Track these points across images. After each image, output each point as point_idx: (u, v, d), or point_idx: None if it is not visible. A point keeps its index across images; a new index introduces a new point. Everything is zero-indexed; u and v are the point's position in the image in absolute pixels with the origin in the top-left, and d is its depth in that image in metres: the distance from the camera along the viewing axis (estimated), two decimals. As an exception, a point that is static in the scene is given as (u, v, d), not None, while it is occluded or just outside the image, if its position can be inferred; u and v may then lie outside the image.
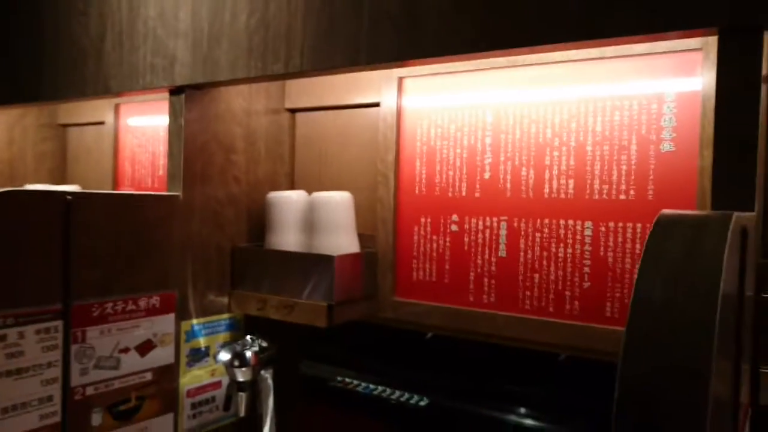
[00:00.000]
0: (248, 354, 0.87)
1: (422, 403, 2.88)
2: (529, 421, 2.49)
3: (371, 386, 3.09)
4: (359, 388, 3.11)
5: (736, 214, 0.37)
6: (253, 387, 0.88)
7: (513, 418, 2.51)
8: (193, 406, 0.91)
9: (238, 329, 0.97)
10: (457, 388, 2.85)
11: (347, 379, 3.19)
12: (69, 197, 0.75)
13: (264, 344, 0.89)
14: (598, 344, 0.77)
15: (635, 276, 0.75)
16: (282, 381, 0.93)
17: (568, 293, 0.80)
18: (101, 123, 1.35)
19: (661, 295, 0.33)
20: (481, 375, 2.73)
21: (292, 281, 0.89)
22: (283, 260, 0.91)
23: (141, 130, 1.30)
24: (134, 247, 0.82)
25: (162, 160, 1.28)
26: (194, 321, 0.90)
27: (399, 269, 0.93)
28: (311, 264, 0.87)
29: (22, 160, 1.39)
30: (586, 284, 0.79)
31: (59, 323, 0.74)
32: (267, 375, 0.91)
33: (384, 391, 2.99)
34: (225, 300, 0.95)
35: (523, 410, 2.57)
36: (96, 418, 0.79)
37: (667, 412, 0.31)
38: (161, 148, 1.28)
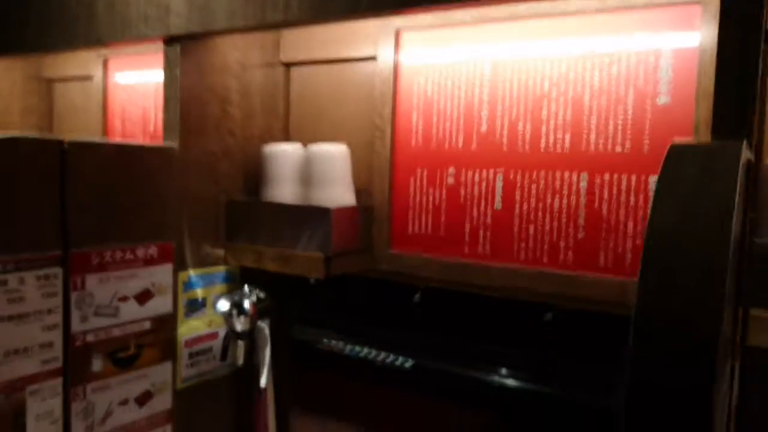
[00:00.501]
0: (246, 304, 0.87)
1: (407, 365, 2.93)
2: (512, 381, 2.55)
3: (357, 348, 3.13)
4: (345, 351, 3.16)
5: (745, 143, 0.38)
6: (250, 337, 0.89)
7: (497, 378, 2.57)
8: (191, 355, 0.92)
9: (234, 282, 0.98)
10: (442, 350, 2.90)
11: (333, 342, 3.23)
12: (65, 145, 0.74)
13: (261, 295, 0.90)
14: (591, 292, 0.79)
15: (629, 227, 0.78)
16: (274, 336, 0.94)
17: (562, 244, 0.82)
18: (89, 78, 1.32)
19: (676, 219, 0.34)
20: (467, 336, 2.77)
21: (288, 233, 0.90)
22: (278, 212, 0.91)
23: (131, 85, 1.28)
24: (131, 197, 0.82)
25: (153, 116, 1.26)
26: (191, 272, 0.91)
27: (394, 222, 0.94)
28: (307, 216, 0.88)
29: (9, 114, 1.37)
30: (581, 235, 0.80)
31: (58, 270, 0.75)
32: (264, 325, 0.92)
33: (369, 353, 3.03)
34: (221, 252, 0.95)
35: (507, 371, 2.63)
36: (96, 364, 0.79)
37: (684, 328, 0.33)
38: (152, 103, 1.27)
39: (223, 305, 0.87)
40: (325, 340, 3.19)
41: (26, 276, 0.71)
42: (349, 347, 3.10)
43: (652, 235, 0.34)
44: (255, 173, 0.99)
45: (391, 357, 2.97)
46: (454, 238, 0.89)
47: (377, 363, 2.93)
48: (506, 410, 2.25)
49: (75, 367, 0.77)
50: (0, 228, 0.68)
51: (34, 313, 0.72)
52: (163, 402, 0.88)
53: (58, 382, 0.75)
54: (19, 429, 0.71)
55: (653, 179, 0.76)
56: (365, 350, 3.05)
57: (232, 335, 0.90)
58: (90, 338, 0.79)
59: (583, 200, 0.80)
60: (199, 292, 0.93)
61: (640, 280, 0.34)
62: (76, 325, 0.77)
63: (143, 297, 0.85)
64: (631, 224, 0.77)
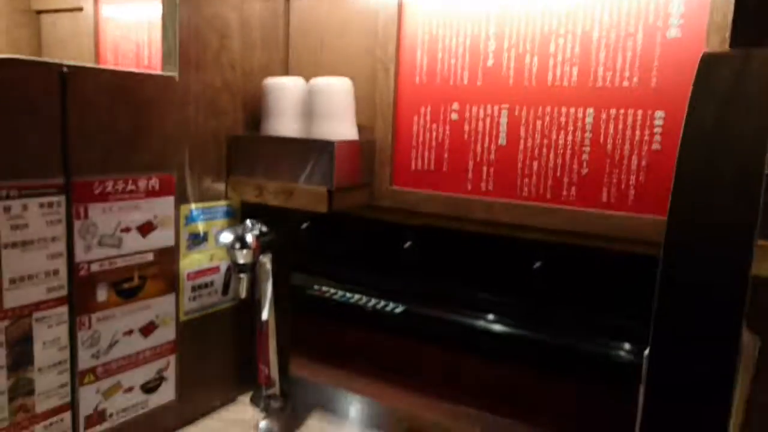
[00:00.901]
0: (249, 237, 0.87)
1: (398, 310, 2.98)
2: (498, 327, 2.60)
3: (348, 294, 3.17)
4: (336, 296, 3.19)
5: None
6: (252, 270, 0.90)
7: (484, 324, 2.62)
8: (193, 288, 0.93)
9: (235, 217, 0.98)
10: (432, 296, 2.94)
11: (324, 288, 3.26)
12: (65, 69, 0.73)
13: (264, 229, 0.90)
14: (593, 227, 0.80)
15: (633, 162, 0.78)
16: (274, 270, 0.95)
17: (566, 180, 0.82)
18: (79, 9, 1.28)
19: (711, 123, 0.34)
20: (456, 282, 2.81)
21: (290, 167, 0.89)
22: (280, 146, 0.91)
23: (123, 19, 1.24)
24: (131, 126, 0.81)
25: (147, 52, 1.23)
26: (192, 206, 0.91)
27: (397, 159, 0.93)
28: (310, 149, 0.87)
29: (-4, 47, 1.33)
30: (584, 171, 0.81)
31: (61, 198, 0.74)
32: (266, 260, 0.92)
33: (360, 298, 3.07)
34: (222, 187, 0.95)
35: (494, 317, 2.68)
36: (101, 294, 0.80)
37: (718, 224, 0.33)
38: (146, 39, 1.23)
39: (226, 237, 0.87)
40: (316, 286, 3.21)
41: (29, 203, 0.70)
42: (340, 293, 3.14)
43: (688, 141, 0.34)
44: (256, 108, 0.98)
45: (382, 303, 3.01)
46: (457, 175, 0.89)
47: (368, 309, 2.97)
48: (497, 356, 2.30)
49: (80, 296, 0.77)
50: (2, 153, 0.67)
51: (38, 240, 0.72)
52: (167, 333, 0.89)
53: (64, 310, 0.76)
54: (27, 355, 0.72)
55: (660, 114, 0.76)
56: (356, 296, 3.09)
57: (234, 268, 0.90)
58: (94, 268, 0.78)
59: (588, 136, 0.80)
60: (201, 226, 0.92)
61: (675, 187, 0.34)
62: (80, 255, 0.77)
63: (146, 229, 0.84)
64: (635, 159, 0.78)
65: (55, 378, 0.76)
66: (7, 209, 0.68)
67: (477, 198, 0.87)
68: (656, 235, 0.80)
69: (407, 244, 3.14)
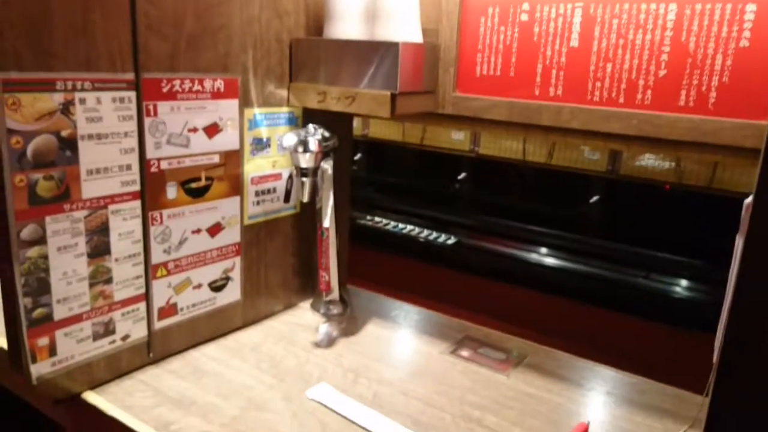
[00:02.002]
0: (312, 141, 0.88)
1: (450, 242, 2.98)
2: (552, 260, 2.57)
3: (400, 225, 3.18)
4: (389, 227, 3.21)
5: None
6: (314, 175, 0.90)
7: (537, 257, 2.59)
8: (257, 193, 0.94)
9: (297, 124, 0.98)
10: (485, 228, 2.92)
11: (377, 219, 3.27)
12: (132, -37, 0.72)
13: (326, 134, 0.90)
14: (667, 132, 0.76)
15: (717, 62, 0.73)
16: (336, 178, 0.95)
17: (641, 82, 0.78)
18: None
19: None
20: (510, 215, 2.78)
21: (353, 71, 0.88)
22: (343, 49, 0.89)
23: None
24: (197, 24, 0.80)
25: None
26: (256, 110, 0.91)
27: (461, 64, 0.91)
28: (374, 51, 0.85)
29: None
30: (662, 72, 0.77)
31: (132, 94, 0.75)
32: (327, 166, 0.93)
33: (413, 230, 3.08)
34: (284, 93, 0.95)
35: (548, 250, 2.65)
36: (171, 192, 0.82)
37: None
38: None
39: (290, 139, 0.87)
40: (369, 217, 3.24)
41: (102, 97, 0.72)
42: (393, 224, 3.15)
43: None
44: (319, 10, 0.96)
45: (435, 234, 3.01)
46: (525, 79, 0.86)
47: (421, 240, 2.98)
48: (549, 289, 2.28)
49: (151, 192, 0.80)
50: (75, 45, 0.68)
51: (111, 134, 0.74)
52: (232, 235, 0.92)
53: (137, 204, 0.78)
54: (104, 245, 0.75)
55: (751, 8, 0.70)
56: (409, 227, 3.10)
57: (296, 173, 0.91)
58: (164, 165, 0.81)
59: (669, 34, 0.75)
60: (264, 132, 0.93)
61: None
62: (150, 152, 0.79)
63: (212, 130, 0.85)
64: (719, 59, 0.73)
65: (130, 269, 0.79)
66: (82, 101, 0.70)
67: (545, 103, 0.84)
68: (734, 140, 0.77)
69: (462, 176, 3.11)
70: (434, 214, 2.82)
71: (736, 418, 0.34)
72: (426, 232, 2.72)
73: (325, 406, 0.77)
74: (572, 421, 0.77)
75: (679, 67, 0.75)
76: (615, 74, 0.80)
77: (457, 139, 2.70)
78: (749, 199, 0.31)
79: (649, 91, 0.78)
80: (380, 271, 1.13)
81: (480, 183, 2.79)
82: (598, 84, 0.81)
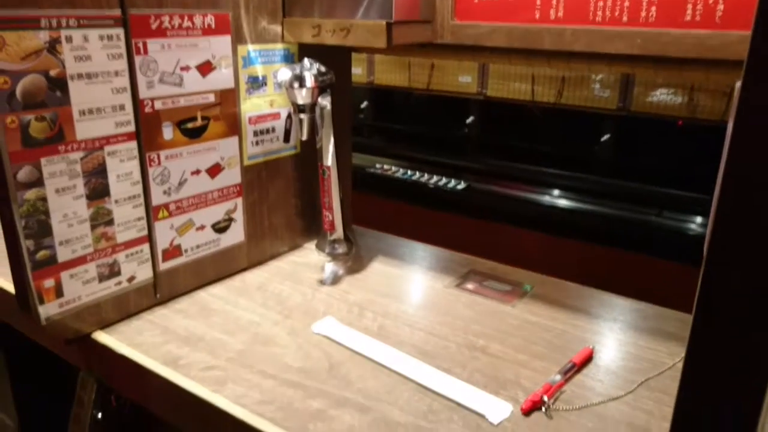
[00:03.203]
0: (307, 76, 0.86)
1: (459, 187, 2.95)
2: (564, 202, 2.54)
3: (409, 172, 3.15)
4: (397, 175, 3.19)
5: None
6: (312, 112, 0.89)
7: (549, 199, 2.57)
8: (255, 133, 0.93)
9: (293, 62, 0.96)
10: (495, 172, 2.89)
11: (386, 166, 3.25)
12: None
13: (322, 69, 0.88)
14: (672, 49, 0.74)
15: (724, -29, 0.70)
16: (335, 114, 0.94)
17: (645, -1, 0.75)
18: None
19: None
20: (521, 158, 2.74)
21: (347, 2, 0.85)
22: (337, -20, 0.86)
23: None
24: (183, -41, 0.78)
25: None
26: (250, 47, 0.89)
27: (459, -10, 0.88)
28: (368, -20, 0.83)
29: None
30: (667, -14, 0.73)
31: (120, 31, 0.74)
32: (326, 103, 0.91)
33: (422, 176, 3.06)
34: (278, 28, 0.92)
35: (559, 192, 2.62)
36: (167, 132, 0.81)
37: None
38: None
39: (284, 74, 0.86)
40: (378, 165, 3.21)
41: (89, 34, 0.70)
42: (401, 171, 3.13)
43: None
44: (308, -58, 0.92)
45: (444, 180, 2.98)
46: (525, 2, 0.83)
47: (430, 186, 2.96)
48: (561, 231, 2.27)
49: (147, 133, 0.79)
50: (57, -20, 0.66)
51: (101, 74, 0.73)
52: (232, 176, 0.92)
53: (133, 145, 0.78)
54: (103, 187, 0.75)
55: None
56: (418, 173, 3.07)
57: (293, 110, 0.89)
58: (158, 105, 0.79)
59: (674, -56, 0.72)
60: (259, 70, 0.91)
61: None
62: (143, 91, 0.77)
63: (205, 68, 0.84)
64: (728, -33, 0.69)
65: (131, 211, 0.80)
66: (68, 39, 0.68)
67: (546, 26, 0.81)
68: (741, 53, 0.73)
69: (470, 120, 3.06)
70: (443, 159, 2.80)
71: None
72: (435, 178, 2.71)
73: (331, 338, 0.78)
74: (577, 346, 0.77)
75: (685, -20, 0.72)
76: (618, -9, 0.76)
77: (465, 81, 2.65)
78: (739, 83, 0.29)
79: (653, 8, 0.75)
80: (390, 219, 1.12)
81: (489, 126, 2.75)
82: (601, 3, 0.78)
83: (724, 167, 0.31)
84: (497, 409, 0.65)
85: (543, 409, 0.65)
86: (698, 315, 0.36)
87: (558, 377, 0.70)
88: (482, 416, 0.64)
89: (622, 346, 0.79)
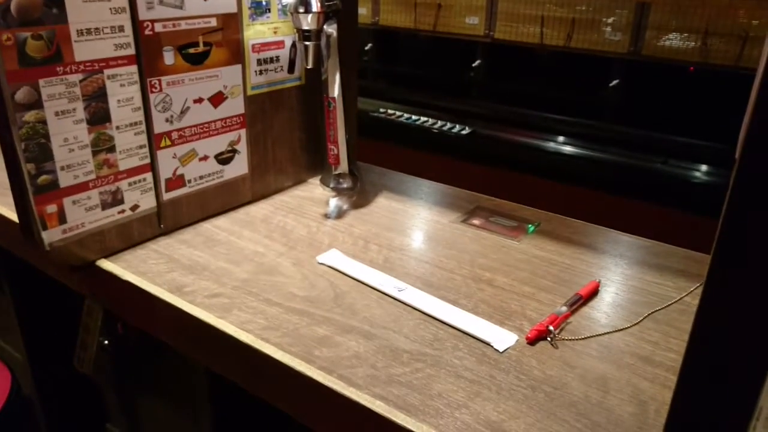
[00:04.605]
0: (313, 0, 0.83)
1: (464, 132, 2.92)
2: (570, 149, 2.51)
3: (413, 117, 3.11)
4: (402, 119, 3.15)
5: None
6: (318, 39, 0.86)
7: (554, 145, 2.54)
8: (259, 62, 0.91)
9: (298, -13, 0.92)
10: (501, 117, 2.84)
11: (390, 111, 3.20)
12: None
13: (328, -7, 0.85)
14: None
15: None
16: (341, 43, 0.91)
17: None
18: None
19: None
20: (527, 103, 2.70)
21: None
22: None
23: None
24: None
25: None
26: (253, -31, 0.85)
27: None
28: None
29: None
30: None
31: (117, -53, 0.70)
32: (332, 30, 0.88)
33: (426, 121, 3.01)
34: (282, -50, 0.88)
35: (564, 138, 2.59)
36: (168, 57, 0.79)
37: None
38: None
39: (289, -2, 0.82)
40: (382, 109, 3.17)
41: (86, -52, 0.67)
42: (406, 115, 3.09)
43: None
44: None
45: (449, 125, 2.95)
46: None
47: (435, 131, 2.92)
48: (568, 178, 2.25)
49: (148, 57, 0.76)
50: None
51: (99, -9, 0.70)
52: (236, 106, 0.89)
53: (134, 69, 0.76)
54: (104, 112, 0.73)
55: None
56: (422, 118, 3.03)
57: (298, 37, 0.87)
58: (158, 28, 0.77)
59: None
60: (263, -6, 0.88)
61: None
62: (143, 13, 0.75)
63: (206, -9, 0.81)
64: None
65: (133, 138, 0.78)
66: (63, -48, 0.65)
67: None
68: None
69: (476, 63, 2.99)
70: (448, 104, 2.75)
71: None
72: (440, 123, 2.67)
73: (336, 269, 0.78)
74: (583, 280, 0.77)
75: None
76: None
77: (472, 23, 2.58)
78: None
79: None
80: (394, 164, 1.10)
81: (496, 70, 2.69)
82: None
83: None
84: (503, 337, 0.65)
85: (548, 338, 0.65)
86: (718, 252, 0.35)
87: (564, 309, 0.70)
88: (488, 344, 0.64)
89: (629, 281, 0.78)
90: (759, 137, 0.30)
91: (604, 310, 0.72)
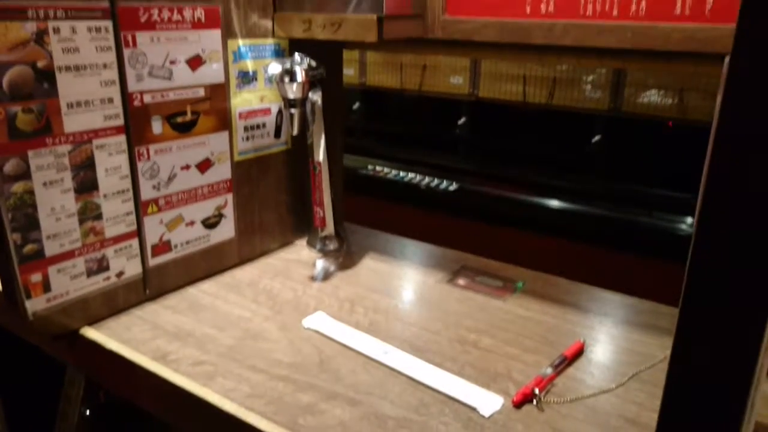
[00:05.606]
0: (298, 70, 0.86)
1: (451, 188, 2.95)
2: (555, 203, 2.55)
3: (401, 173, 3.15)
4: (390, 176, 3.18)
5: None
6: (303, 106, 0.88)
7: (540, 200, 2.57)
8: (246, 129, 0.93)
9: (284, 56, 0.96)
10: (486, 173, 2.89)
11: (378, 167, 3.24)
12: None
13: (313, 63, 0.88)
14: (662, 43, 0.74)
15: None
16: (325, 109, 0.93)
17: (635, -8, 0.75)
18: None
19: None
20: (512, 159, 2.75)
21: (338, -3, 0.85)
22: (327, -26, 0.86)
23: None
24: (173, -48, 0.78)
25: None
26: (240, 41, 0.89)
27: (450, -15, 0.88)
28: (359, -26, 0.82)
29: None
30: (657, -20, 0.73)
31: (108, 24, 0.73)
32: (316, 98, 0.91)
33: (414, 177, 3.05)
34: (269, 23, 0.92)
35: (550, 193, 2.63)
36: (156, 126, 0.81)
37: None
38: None
39: (274, 68, 0.85)
40: (370, 166, 3.21)
41: (77, 26, 0.70)
42: (394, 172, 3.13)
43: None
44: (299, -63, 0.92)
45: (436, 181, 2.99)
46: (515, -3, 0.83)
47: (422, 187, 2.96)
48: (552, 231, 2.27)
49: (136, 127, 0.78)
50: (45, -29, 0.66)
51: (90, 66, 0.72)
52: (223, 171, 0.91)
53: (122, 139, 0.77)
54: (91, 181, 0.74)
55: None
56: (410, 175, 3.07)
57: (284, 105, 0.89)
58: (147, 99, 0.79)
59: (663, -62, 0.72)
60: (250, 64, 0.91)
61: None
62: (132, 85, 0.77)
63: (194, 63, 0.83)
64: (717, -39, 0.70)
65: (120, 206, 0.79)
66: (56, 30, 0.68)
67: (536, 21, 0.82)
68: (730, 47, 0.74)
69: (462, 120, 3.06)
70: (435, 161, 2.79)
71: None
72: (427, 179, 2.71)
73: (321, 333, 0.78)
74: (568, 340, 0.77)
75: (675, -26, 0.72)
76: (608, -15, 0.76)
77: (456, 83, 2.65)
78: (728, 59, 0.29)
79: (643, 2, 0.75)
80: (382, 220, 1.12)
81: (480, 127, 2.76)
82: (591, -3, 0.78)
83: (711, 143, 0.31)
84: (488, 402, 0.65)
85: (534, 401, 0.65)
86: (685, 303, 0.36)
87: (549, 370, 0.70)
88: (473, 409, 0.64)
89: (614, 340, 0.79)
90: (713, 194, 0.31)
91: (590, 370, 0.72)
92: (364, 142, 3.08)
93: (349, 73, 2.89)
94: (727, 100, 0.31)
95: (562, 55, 0.83)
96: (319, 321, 0.80)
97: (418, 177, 2.75)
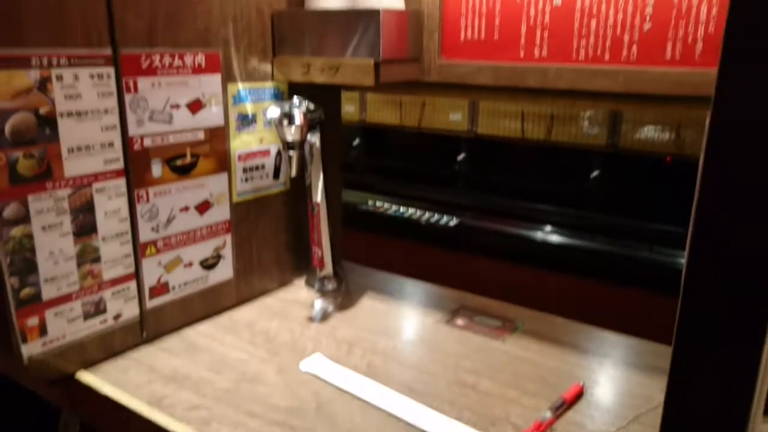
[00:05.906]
0: (296, 113, 0.87)
1: (452, 223, 2.97)
2: (555, 237, 2.55)
3: (402, 209, 3.17)
4: (390, 212, 3.20)
5: None
6: (301, 149, 0.89)
7: (540, 234, 2.58)
8: (245, 170, 0.94)
9: (282, 100, 0.97)
10: (486, 208, 2.90)
11: (378, 203, 3.27)
12: (104, -64, 0.71)
13: (311, 106, 0.89)
14: (653, 87, 0.75)
15: (702, 12, 0.72)
16: (324, 151, 0.94)
17: (626, 38, 0.77)
18: None
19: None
20: (511, 194, 2.76)
21: (336, 42, 0.87)
22: (325, 19, 0.88)
23: None
24: (174, 2, 0.80)
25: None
26: (240, 85, 0.90)
27: (445, 29, 0.89)
28: (355, 20, 0.84)
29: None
30: (647, 26, 0.75)
31: (110, 70, 0.74)
32: (315, 140, 0.92)
33: (414, 213, 3.07)
34: (268, 67, 0.94)
35: (550, 228, 2.63)
36: (156, 169, 0.82)
37: None
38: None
39: (273, 111, 0.87)
40: (370, 202, 3.23)
41: (80, 73, 0.71)
42: (394, 207, 3.14)
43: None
44: (298, -16, 0.95)
45: (436, 216, 3.00)
46: (509, 42, 0.85)
47: (422, 222, 2.97)
48: (552, 266, 2.27)
49: (136, 170, 0.79)
50: (49, 21, 0.68)
51: (91, 112, 0.73)
52: (221, 213, 0.92)
53: (122, 182, 0.78)
54: (90, 224, 0.75)
55: (735, -47, 0.69)
56: (410, 210, 3.08)
57: (282, 147, 0.90)
58: (147, 143, 0.80)
59: (652, -15, 0.74)
60: (249, 107, 0.92)
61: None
62: (133, 129, 0.78)
63: (195, 106, 0.85)
64: (704, 8, 0.71)
65: (118, 248, 0.79)
66: (59, 77, 0.69)
67: (530, 65, 0.83)
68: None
69: (461, 157, 3.09)
70: (435, 196, 2.81)
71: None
72: (428, 214, 2.71)
73: (319, 377, 0.77)
74: (568, 382, 0.76)
75: (665, 20, 0.74)
76: (600, 31, 0.78)
77: (455, 119, 2.69)
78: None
79: (634, 46, 0.77)
80: (383, 256, 1.12)
81: (480, 163, 2.78)
82: (583, 42, 0.80)
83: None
84: (487, 447, 0.64)
85: (534, 447, 0.64)
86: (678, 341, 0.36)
87: (548, 414, 0.69)
88: (472, 455, 0.63)
89: (614, 382, 0.78)
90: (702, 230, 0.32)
91: (590, 413, 0.71)
92: (364, 178, 3.10)
93: (350, 110, 2.93)
94: (711, 144, 0.32)
95: (556, 97, 0.85)
96: (317, 364, 0.80)
97: (419, 212, 2.76)
